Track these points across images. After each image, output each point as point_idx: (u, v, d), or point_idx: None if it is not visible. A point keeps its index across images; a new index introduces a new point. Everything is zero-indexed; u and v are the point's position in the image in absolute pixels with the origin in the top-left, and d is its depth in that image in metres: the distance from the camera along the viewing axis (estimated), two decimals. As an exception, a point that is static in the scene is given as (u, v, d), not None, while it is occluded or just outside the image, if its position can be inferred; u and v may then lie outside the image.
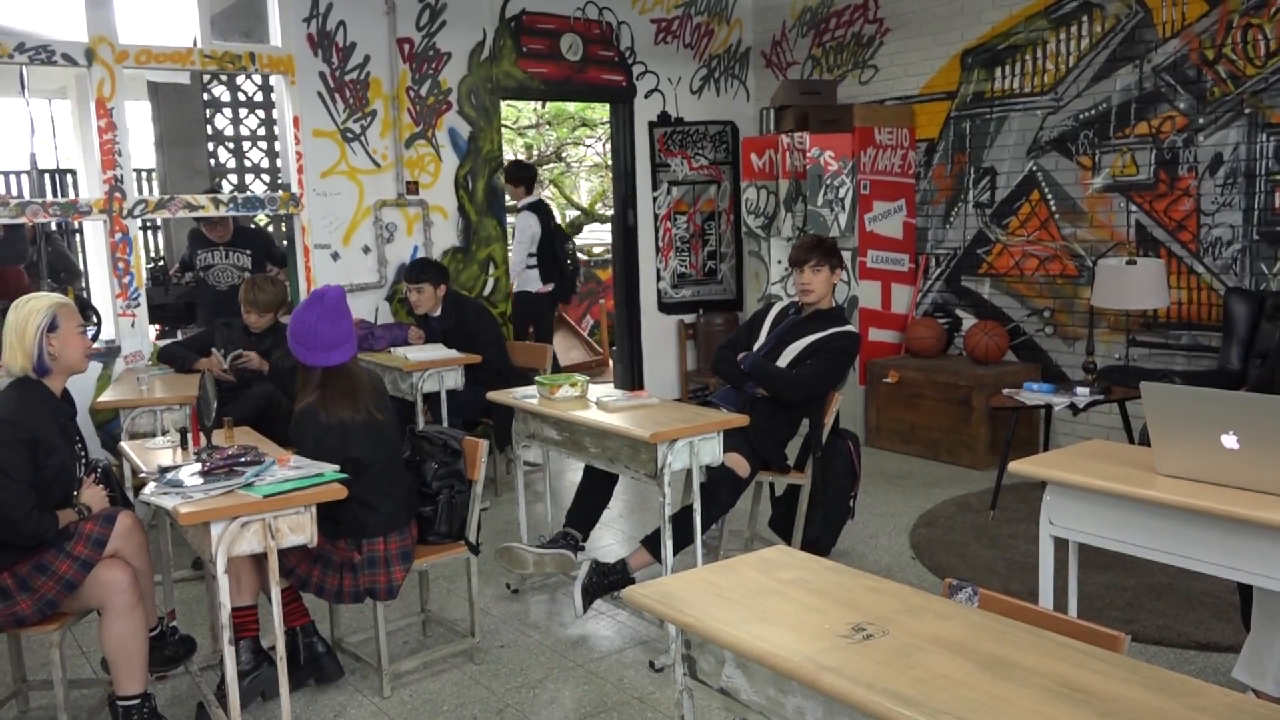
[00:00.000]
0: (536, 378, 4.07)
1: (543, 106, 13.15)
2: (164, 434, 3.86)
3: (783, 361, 3.98)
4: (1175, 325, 5.28)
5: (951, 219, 6.30)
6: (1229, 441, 2.37)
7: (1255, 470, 2.35)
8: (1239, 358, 4.74)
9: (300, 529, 2.85)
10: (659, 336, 7.34)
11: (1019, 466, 2.74)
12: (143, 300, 5.32)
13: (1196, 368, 5.13)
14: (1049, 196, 5.77)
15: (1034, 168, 5.82)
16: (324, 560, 3.14)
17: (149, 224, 8.55)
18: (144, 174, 8.83)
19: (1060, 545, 2.77)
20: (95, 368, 5.18)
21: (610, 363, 8.84)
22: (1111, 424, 5.24)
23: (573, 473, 4.13)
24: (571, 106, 13.04)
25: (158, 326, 5.98)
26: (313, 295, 3.19)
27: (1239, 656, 2.77)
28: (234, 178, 8.07)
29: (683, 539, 3.56)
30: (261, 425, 3.97)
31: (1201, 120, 5.08)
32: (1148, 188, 5.32)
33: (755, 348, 4.09)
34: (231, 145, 8.03)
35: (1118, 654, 1.71)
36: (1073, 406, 4.73)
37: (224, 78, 7.84)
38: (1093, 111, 5.51)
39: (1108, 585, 3.86)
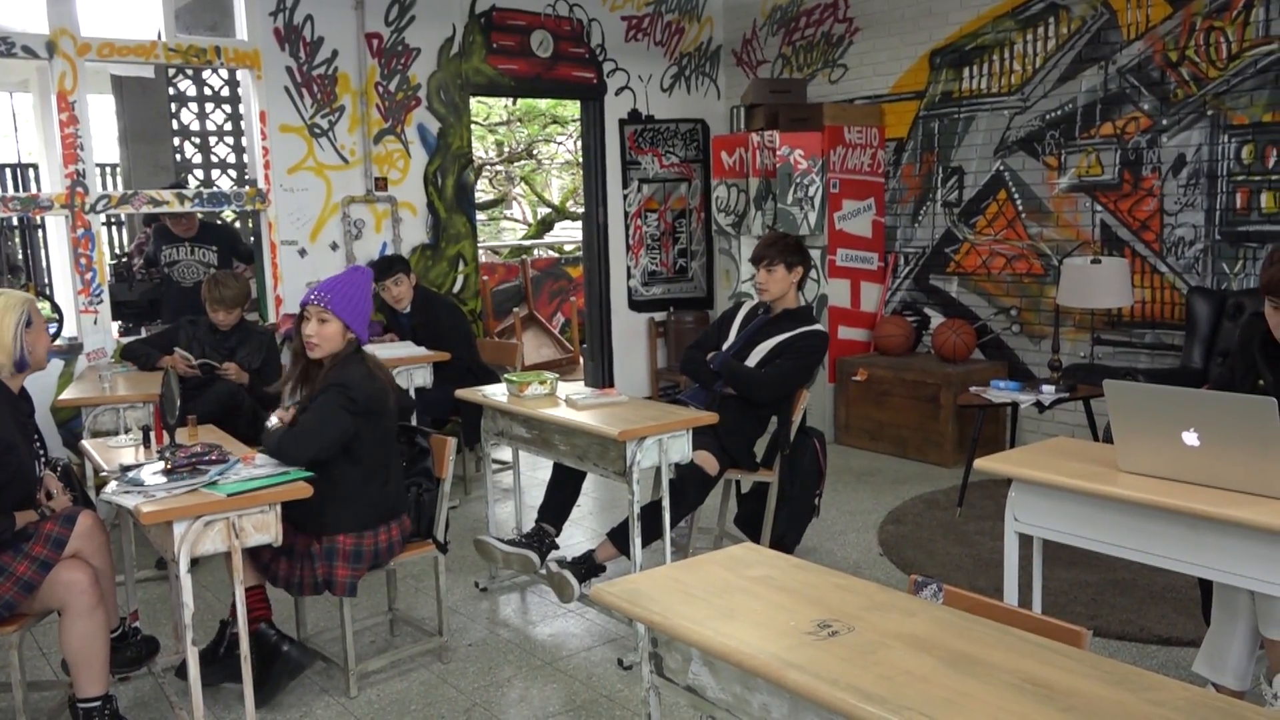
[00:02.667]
0: (505, 375, 4.06)
1: (513, 103, 13.11)
2: (126, 432, 3.81)
3: (751, 361, 3.99)
4: (1139, 324, 5.35)
5: (920, 218, 6.34)
6: (1190, 439, 2.40)
7: (1215, 467, 2.38)
8: (1201, 356, 4.81)
9: (265, 528, 2.82)
10: (629, 334, 7.34)
11: (985, 464, 2.76)
12: (105, 297, 5.24)
13: (1160, 366, 5.20)
14: (1016, 196, 5.82)
15: (1001, 167, 5.87)
16: (289, 550, 3.11)
17: (113, 219, 8.43)
18: (108, 169, 8.72)
19: (1025, 541, 2.79)
20: (56, 365, 5.11)
21: (581, 360, 8.83)
22: (1077, 421, 5.30)
23: (541, 471, 4.12)
24: (542, 103, 13.02)
25: (121, 323, 5.89)
26: (362, 270, 3.26)
27: (1199, 651, 2.80)
28: (200, 173, 7.98)
29: (650, 534, 3.56)
30: (226, 423, 3.92)
31: (1165, 121, 5.14)
32: (1112, 188, 5.38)
33: (724, 347, 4.10)
34: (197, 140, 7.95)
35: (1080, 649, 1.72)
36: (1039, 404, 4.77)
37: (189, 72, 7.76)
38: (1059, 112, 5.57)
39: (1072, 581, 3.91)
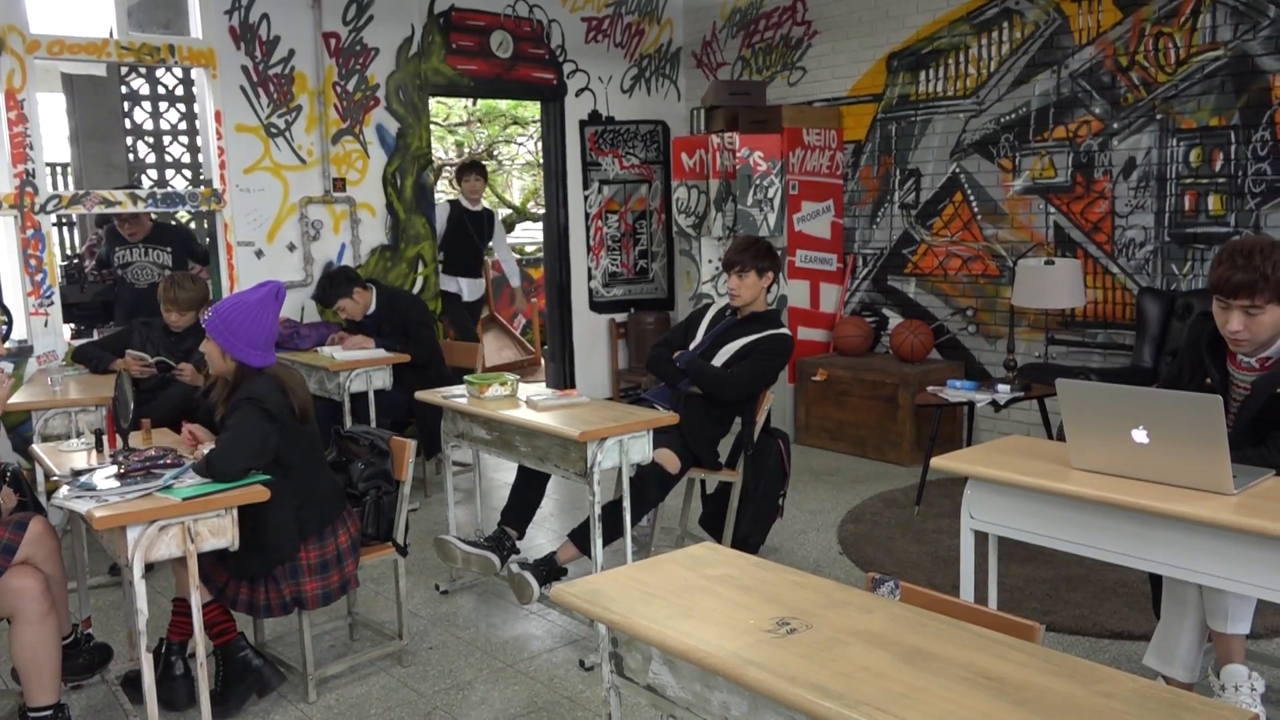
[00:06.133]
0: (466, 377, 4.05)
1: (473, 104, 13.06)
2: (78, 436, 3.75)
3: (718, 362, 4.02)
4: (1092, 324, 5.45)
5: (878, 219, 6.41)
6: (1139, 436, 2.45)
7: (1163, 463, 2.43)
8: (1151, 355, 4.90)
9: (221, 532, 2.79)
10: (590, 335, 7.34)
11: (940, 462, 2.80)
12: (56, 299, 5.15)
13: (1112, 365, 5.29)
14: (971, 198, 5.90)
15: (957, 170, 5.95)
16: (249, 577, 3.06)
17: (64, 220, 8.28)
18: (59, 168, 8.56)
19: (981, 539, 2.83)
20: (5, 367, 5.00)
21: (542, 362, 8.81)
22: (1032, 420, 5.38)
23: (502, 473, 4.10)
24: (503, 104, 12.97)
25: (73, 326, 5.79)
26: (269, 288, 3.08)
27: (1150, 644, 2.86)
28: (154, 173, 7.87)
29: (611, 533, 3.57)
30: (180, 427, 3.87)
31: (1116, 125, 5.24)
32: (1065, 190, 5.47)
33: (691, 347, 4.13)
34: (151, 140, 7.84)
35: (1033, 644, 1.75)
36: (994, 403, 4.84)
37: (143, 70, 7.65)
38: (1013, 115, 5.65)
39: (1027, 577, 3.97)
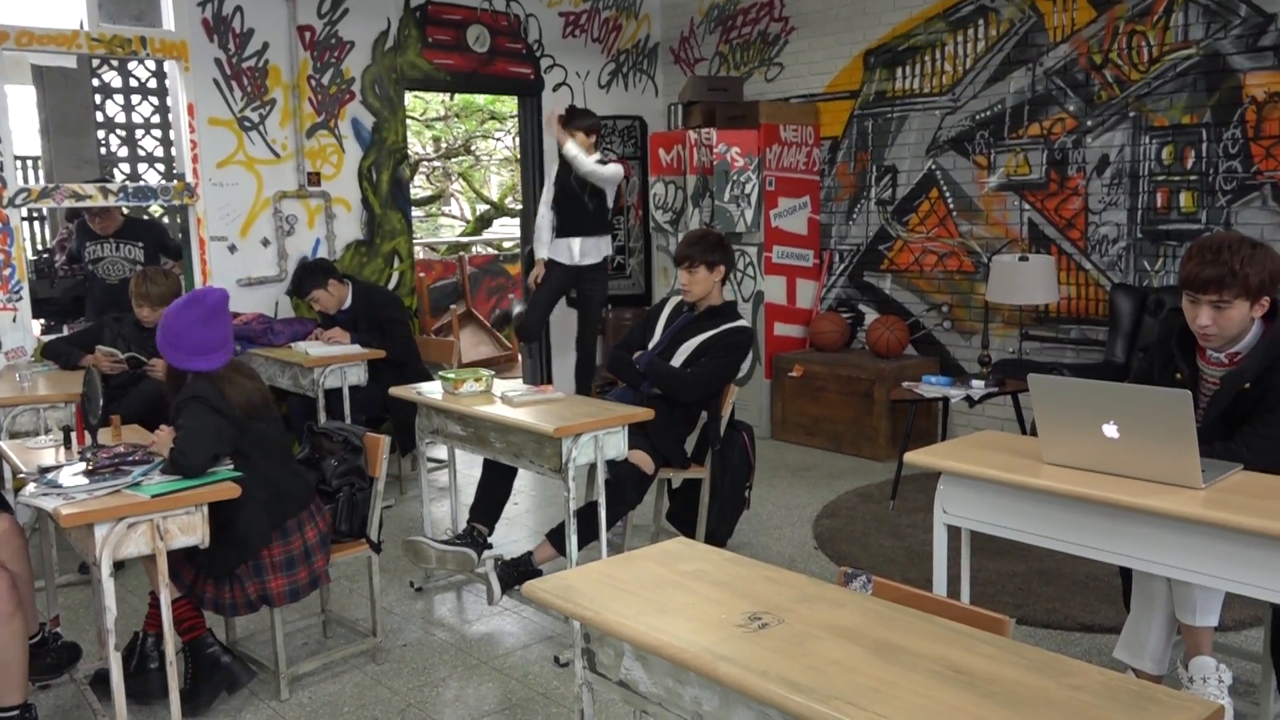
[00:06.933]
0: (441, 373, 4.03)
1: (451, 98, 13.01)
2: (46, 433, 3.71)
3: (677, 360, 4.00)
4: (1065, 320, 5.48)
5: (854, 216, 6.42)
6: (1110, 431, 2.46)
7: (1133, 458, 2.45)
8: (1124, 351, 4.94)
9: (191, 530, 2.77)
10: (567, 331, 7.31)
11: (914, 457, 2.80)
12: (26, 294, 5.08)
13: (1085, 360, 5.34)
14: (947, 194, 5.92)
15: (933, 166, 5.97)
16: (217, 574, 3.03)
17: (34, 214, 8.18)
18: (28, 162, 8.46)
19: (955, 533, 2.84)
20: (-26, 364, 4.94)
21: (519, 358, 8.78)
22: (1006, 415, 5.41)
23: (479, 469, 4.09)
24: (480, 99, 12.93)
25: (42, 321, 5.72)
26: (192, 296, 3.05)
27: (1120, 637, 2.88)
28: (126, 166, 7.79)
29: (587, 534, 3.56)
30: (151, 423, 3.82)
31: (1090, 122, 5.28)
32: (1039, 187, 5.51)
33: (650, 346, 4.10)
34: (123, 133, 7.75)
35: (1003, 637, 1.76)
36: (969, 399, 4.87)
37: (114, 63, 7.56)
38: (988, 112, 5.68)
39: (1000, 571, 3.99)
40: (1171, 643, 2.81)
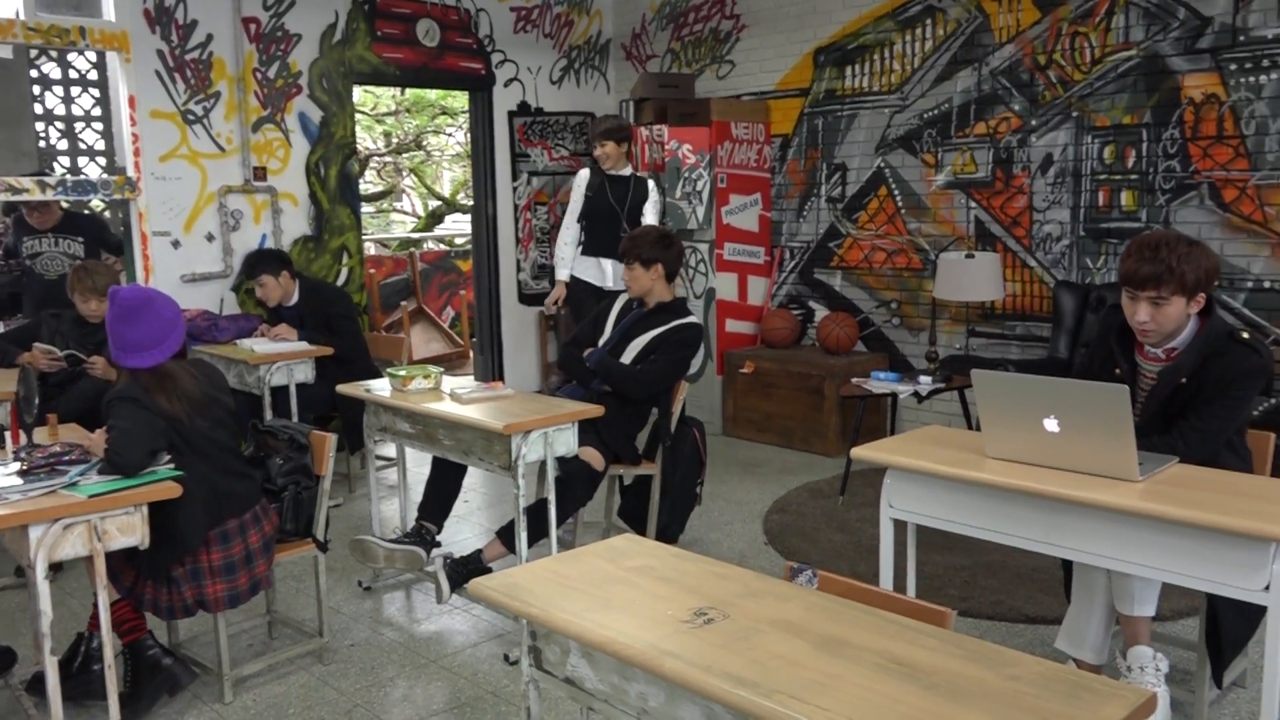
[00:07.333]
0: (389, 370, 3.98)
1: (402, 93, 12.87)
2: (-20, 432, 3.60)
3: (627, 356, 4.00)
4: (1010, 316, 5.57)
5: (805, 213, 6.47)
6: (1050, 425, 2.51)
7: (1073, 451, 2.49)
8: (1067, 347, 5.03)
9: (130, 530, 2.71)
10: (519, 328, 7.29)
11: (860, 453, 2.83)
12: (-41, 290, 4.95)
13: (1029, 356, 5.42)
14: (895, 192, 5.98)
15: (882, 164, 6.03)
16: (155, 575, 2.97)
17: (-31, 208, 7.95)
18: (-37, 154, 8.21)
19: (900, 527, 2.87)
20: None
21: (471, 354, 8.73)
22: (953, 411, 5.49)
23: (428, 467, 4.06)
24: (432, 94, 12.81)
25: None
26: (109, 293, 2.99)
27: (1061, 628, 2.94)
28: (66, 160, 7.60)
29: (538, 531, 3.55)
30: (89, 422, 3.74)
31: (1034, 122, 5.36)
32: (986, 185, 5.59)
33: (600, 343, 4.10)
34: (62, 125, 7.57)
35: (945, 629, 1.78)
36: (917, 394, 4.92)
37: (53, 53, 7.37)
38: (936, 111, 5.75)
39: (946, 565, 4.04)
40: (1111, 632, 2.87)
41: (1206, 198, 4.80)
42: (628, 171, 5.44)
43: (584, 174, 5.52)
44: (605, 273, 5.41)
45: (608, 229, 5.36)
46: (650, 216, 5.47)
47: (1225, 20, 4.66)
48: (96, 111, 7.68)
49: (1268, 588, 2.17)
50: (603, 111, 7.47)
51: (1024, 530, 2.53)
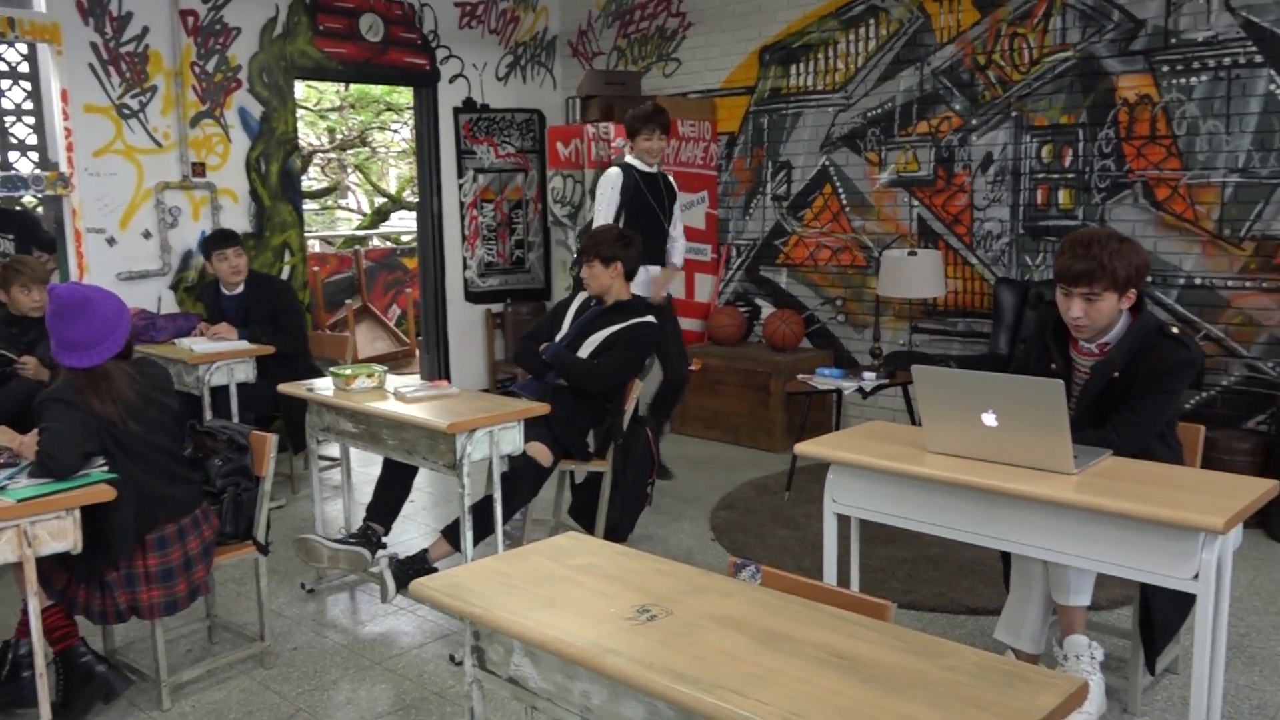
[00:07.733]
0: (332, 369, 3.93)
1: (345, 88, 12.71)
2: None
3: (584, 352, 4.01)
4: (952, 313, 5.65)
5: (751, 211, 6.50)
6: (988, 419, 2.55)
7: (1010, 445, 2.54)
8: (1007, 343, 5.11)
9: (62, 535, 2.65)
10: (466, 326, 7.24)
11: (804, 448, 2.86)
12: (-118, 288, 4.78)
13: (971, 352, 5.51)
14: (840, 190, 6.04)
15: (827, 162, 6.08)
16: (88, 579, 2.90)
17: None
18: (-113, 149, 7.95)
19: (844, 521, 2.90)
20: None
21: (417, 353, 8.65)
22: (898, 406, 5.56)
23: (373, 467, 4.01)
24: (376, 89, 12.67)
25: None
26: (49, 288, 2.91)
27: (999, 619, 2.99)
28: (-5, 155, 7.39)
29: (484, 529, 3.53)
30: (22, 424, 3.64)
31: (974, 121, 5.44)
32: (928, 184, 5.66)
33: (558, 338, 4.10)
34: (-8, 119, 7.35)
35: (885, 622, 1.80)
36: (861, 390, 4.98)
37: (-19, 45, 7.17)
38: (879, 110, 5.81)
39: (889, 558, 4.09)
40: (1048, 622, 2.92)
41: (1140, 196, 4.92)
42: (656, 168, 4.87)
43: (614, 174, 4.79)
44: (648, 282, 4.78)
45: (651, 234, 4.73)
46: (679, 220, 5.04)
47: (1158, 23, 4.77)
48: (28, 105, 7.48)
49: (1196, 576, 2.23)
50: (551, 109, 7.44)
51: (963, 523, 2.57)
